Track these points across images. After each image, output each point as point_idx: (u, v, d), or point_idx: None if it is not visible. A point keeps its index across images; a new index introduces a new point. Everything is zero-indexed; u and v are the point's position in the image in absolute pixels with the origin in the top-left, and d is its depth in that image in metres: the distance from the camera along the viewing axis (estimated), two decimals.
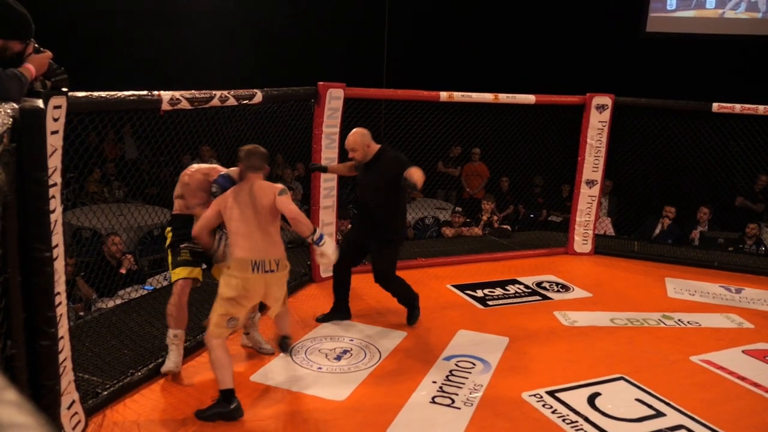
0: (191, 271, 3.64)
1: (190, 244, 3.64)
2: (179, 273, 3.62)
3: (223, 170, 3.67)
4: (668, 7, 10.45)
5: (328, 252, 3.38)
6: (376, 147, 4.26)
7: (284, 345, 3.85)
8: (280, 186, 3.43)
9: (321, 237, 3.35)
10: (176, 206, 3.73)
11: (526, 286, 5.58)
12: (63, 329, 2.70)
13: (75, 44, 9.81)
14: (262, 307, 3.72)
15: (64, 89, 2.63)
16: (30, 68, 2.53)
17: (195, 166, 3.76)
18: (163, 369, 3.58)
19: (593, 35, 10.35)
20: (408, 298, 4.49)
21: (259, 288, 3.28)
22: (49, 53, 2.64)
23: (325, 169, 4.87)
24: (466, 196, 8.72)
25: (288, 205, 3.33)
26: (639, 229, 7.59)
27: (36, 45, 2.62)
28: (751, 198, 7.65)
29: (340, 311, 4.57)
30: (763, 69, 9.56)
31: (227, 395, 3.22)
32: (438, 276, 5.72)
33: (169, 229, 3.77)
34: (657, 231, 7.32)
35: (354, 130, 4.26)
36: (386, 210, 4.25)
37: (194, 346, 3.92)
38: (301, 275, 5.31)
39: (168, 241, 3.74)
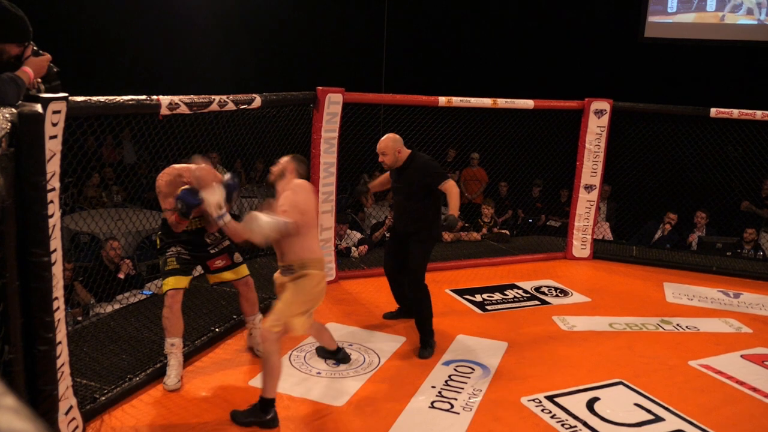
0: (179, 280, 3.61)
1: (176, 250, 3.64)
2: (168, 283, 3.61)
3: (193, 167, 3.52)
4: (669, 10, 10.49)
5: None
6: (406, 152, 4.23)
7: (345, 357, 3.95)
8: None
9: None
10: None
11: (525, 291, 5.58)
12: (61, 334, 2.69)
13: (74, 48, 9.83)
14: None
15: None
16: (28, 71, 2.52)
17: (170, 168, 3.63)
18: (167, 387, 3.55)
19: (592, 40, 10.39)
20: (425, 327, 4.24)
21: (325, 284, 3.42)
22: (48, 56, 2.64)
23: (368, 189, 4.74)
24: (464, 201, 8.72)
25: None
26: (638, 232, 7.59)
27: (35, 47, 2.61)
28: (756, 203, 7.66)
29: (407, 311, 4.64)
30: (761, 74, 9.59)
31: (268, 404, 3.21)
32: (437, 281, 5.71)
33: (159, 233, 3.77)
34: (657, 236, 7.32)
35: (386, 135, 4.25)
36: (419, 216, 4.21)
37: (192, 351, 3.92)
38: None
39: (158, 246, 3.75)
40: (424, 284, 4.23)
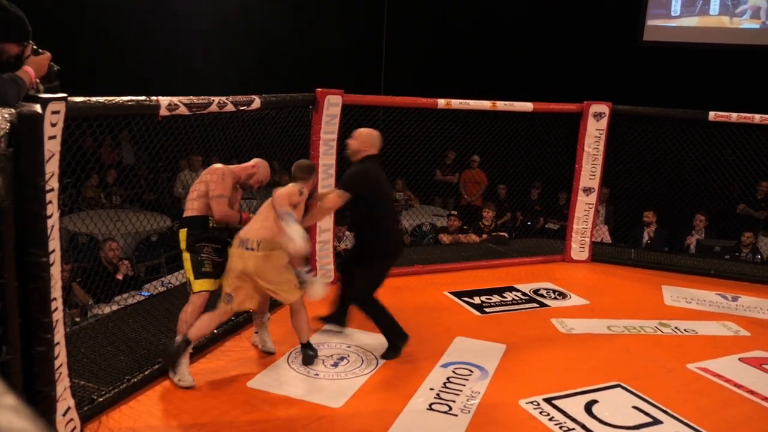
0: (214, 283, 3.76)
1: (210, 252, 3.70)
2: (203, 285, 3.71)
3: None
4: (672, 14, 10.51)
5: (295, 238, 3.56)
6: (365, 155, 4.12)
7: (307, 358, 3.93)
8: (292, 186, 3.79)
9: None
10: (196, 207, 3.75)
11: (523, 293, 5.58)
12: (59, 335, 2.68)
13: (73, 49, 9.82)
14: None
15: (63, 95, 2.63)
16: (29, 71, 2.52)
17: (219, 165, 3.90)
18: (184, 384, 3.56)
19: (591, 44, 10.40)
20: (388, 330, 4.14)
21: (237, 263, 3.61)
22: (48, 54, 2.63)
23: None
24: (463, 203, 8.73)
25: (278, 196, 3.68)
26: (629, 239, 7.56)
27: (34, 47, 2.61)
28: (752, 206, 7.68)
29: (337, 319, 4.48)
30: (760, 78, 9.61)
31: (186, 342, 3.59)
32: (435, 283, 5.72)
33: (184, 230, 3.77)
34: (645, 239, 7.31)
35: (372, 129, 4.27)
36: (356, 223, 4.19)
37: (190, 353, 3.90)
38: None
39: (184, 243, 3.75)
40: (371, 299, 4.10)
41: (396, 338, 4.14)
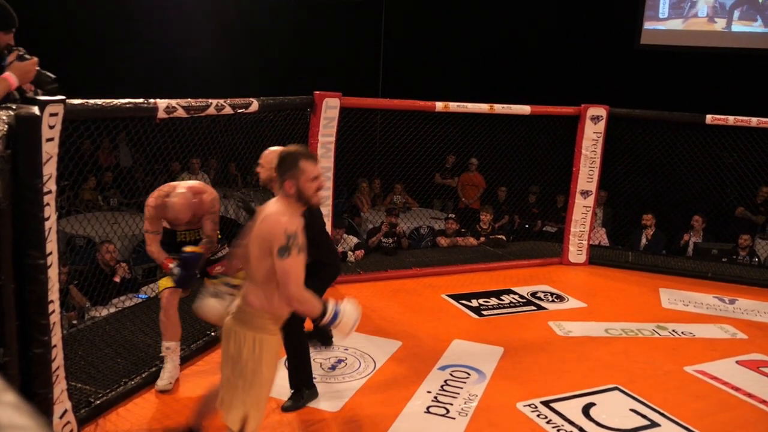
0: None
1: (174, 255, 3.64)
2: (164, 283, 3.62)
3: (189, 185, 3.57)
4: (660, 16, 10.53)
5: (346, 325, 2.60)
6: None
7: None
8: (284, 239, 2.30)
9: (335, 315, 2.54)
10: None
11: (521, 296, 5.58)
12: (56, 337, 2.68)
13: (71, 51, 9.83)
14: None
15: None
16: (8, 78, 2.45)
17: (159, 189, 3.59)
18: (157, 387, 3.56)
19: (588, 47, 10.43)
20: (296, 373, 3.51)
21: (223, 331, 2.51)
22: (35, 59, 2.56)
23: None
24: (461, 206, 8.74)
25: (287, 276, 2.33)
26: (627, 242, 7.57)
27: (20, 52, 2.55)
28: (751, 209, 7.69)
29: (320, 336, 4.21)
30: (756, 81, 9.64)
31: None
32: (433, 285, 5.72)
33: None
34: (643, 242, 7.32)
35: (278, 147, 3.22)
36: None
37: (188, 355, 3.91)
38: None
39: None
40: (296, 324, 3.28)
41: (303, 383, 3.50)
